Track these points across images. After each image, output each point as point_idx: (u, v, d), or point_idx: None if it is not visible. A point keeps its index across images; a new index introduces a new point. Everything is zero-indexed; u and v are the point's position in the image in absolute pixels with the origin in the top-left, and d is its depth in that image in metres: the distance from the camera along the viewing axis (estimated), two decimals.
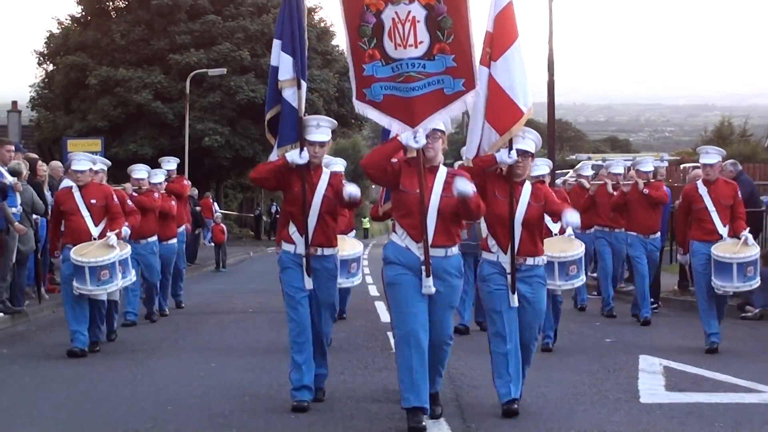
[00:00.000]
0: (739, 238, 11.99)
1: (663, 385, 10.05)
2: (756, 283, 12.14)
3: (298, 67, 8.95)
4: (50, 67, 46.96)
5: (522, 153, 8.51)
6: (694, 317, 15.38)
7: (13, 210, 14.76)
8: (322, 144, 8.85)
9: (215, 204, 34.80)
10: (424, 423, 7.82)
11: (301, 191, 8.78)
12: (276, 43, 9.12)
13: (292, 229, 8.93)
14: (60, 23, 47.37)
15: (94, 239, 11.97)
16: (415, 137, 7.97)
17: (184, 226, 17.11)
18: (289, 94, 8.96)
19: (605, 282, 16.40)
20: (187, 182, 18.36)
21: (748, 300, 15.69)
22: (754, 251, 11.99)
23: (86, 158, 12.39)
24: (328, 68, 45.40)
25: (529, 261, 8.62)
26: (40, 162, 17.59)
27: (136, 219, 13.12)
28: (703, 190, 12.29)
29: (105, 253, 11.80)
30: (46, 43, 47.06)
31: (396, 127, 8.18)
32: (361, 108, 8.38)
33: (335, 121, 9.11)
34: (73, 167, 12.27)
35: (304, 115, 8.99)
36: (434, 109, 8.11)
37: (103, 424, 8.32)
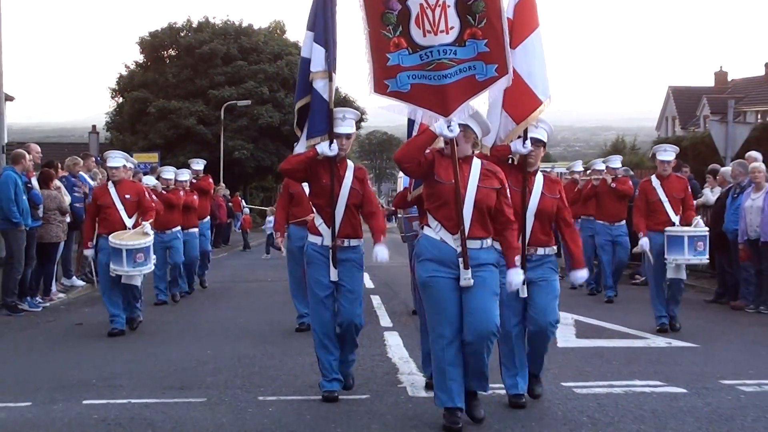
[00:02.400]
0: (691, 225, 10.25)
1: (574, 333, 10.02)
2: (705, 259, 10.39)
3: (330, 59, 6.97)
4: (120, 100, 47.08)
5: (535, 142, 6.66)
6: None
7: None
8: (348, 136, 6.93)
9: (243, 201, 35.57)
10: (460, 424, 5.80)
11: (329, 183, 6.83)
12: (308, 35, 7.11)
13: (319, 221, 6.91)
14: (127, 67, 47.75)
15: (129, 229, 10.31)
16: (449, 126, 5.90)
17: (207, 218, 15.68)
18: (320, 85, 6.96)
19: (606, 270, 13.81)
20: (223, 187, 17.38)
21: (637, 271, 15.70)
22: (704, 230, 10.33)
23: (120, 155, 10.81)
24: None
25: (540, 251, 6.61)
26: None
27: (155, 214, 11.39)
28: (656, 183, 10.39)
29: (140, 238, 10.11)
30: (117, 81, 47.33)
31: (423, 117, 6.19)
32: (382, 100, 6.24)
33: (359, 113, 7.19)
34: (108, 164, 10.64)
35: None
36: (466, 96, 6.05)
37: (158, 364, 8.27)
